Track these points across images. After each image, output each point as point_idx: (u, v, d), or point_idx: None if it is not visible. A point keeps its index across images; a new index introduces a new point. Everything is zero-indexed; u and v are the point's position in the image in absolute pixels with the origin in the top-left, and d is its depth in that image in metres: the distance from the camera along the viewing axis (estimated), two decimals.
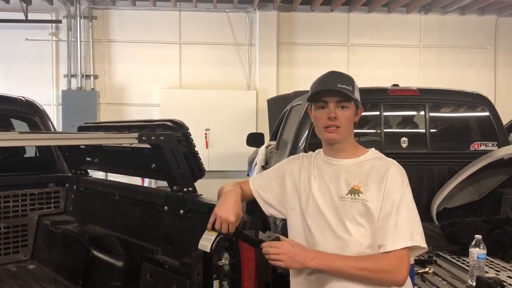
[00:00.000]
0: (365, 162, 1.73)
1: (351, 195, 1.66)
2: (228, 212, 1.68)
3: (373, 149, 1.80)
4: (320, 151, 1.85)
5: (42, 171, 3.34)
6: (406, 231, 1.58)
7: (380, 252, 1.59)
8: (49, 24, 8.95)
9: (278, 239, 1.62)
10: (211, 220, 1.71)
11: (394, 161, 1.73)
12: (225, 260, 1.85)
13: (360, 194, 1.65)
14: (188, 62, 9.21)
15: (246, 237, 1.72)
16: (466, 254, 2.74)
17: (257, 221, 3.93)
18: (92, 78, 9.06)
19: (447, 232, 3.39)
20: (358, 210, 1.63)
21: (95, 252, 2.70)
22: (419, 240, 1.59)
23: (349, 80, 1.73)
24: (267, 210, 1.88)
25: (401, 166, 1.71)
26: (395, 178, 1.65)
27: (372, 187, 1.65)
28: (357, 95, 1.72)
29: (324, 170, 1.76)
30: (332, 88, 1.67)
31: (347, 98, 1.69)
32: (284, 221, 1.90)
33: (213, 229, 1.72)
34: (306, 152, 1.93)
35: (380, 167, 1.69)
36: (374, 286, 1.61)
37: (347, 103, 1.70)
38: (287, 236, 1.75)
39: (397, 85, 4.17)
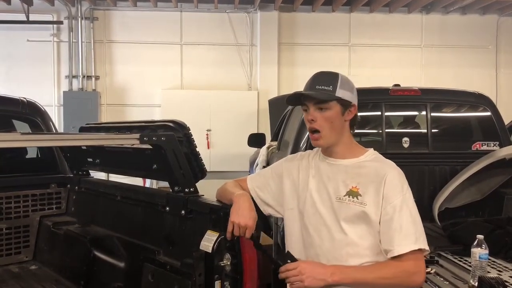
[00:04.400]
0: (364, 163, 1.72)
1: (349, 196, 1.65)
2: (245, 219, 1.68)
3: (371, 149, 1.78)
4: (319, 150, 1.84)
5: (44, 172, 3.34)
6: (411, 234, 1.59)
7: (388, 257, 1.59)
8: (51, 25, 8.96)
9: (293, 258, 1.61)
10: (229, 229, 1.70)
11: (393, 164, 1.72)
12: (226, 261, 1.85)
13: (358, 197, 1.64)
14: (189, 62, 9.21)
15: (264, 252, 1.73)
16: (468, 254, 2.73)
17: (258, 220, 3.92)
18: (93, 79, 9.07)
19: (449, 232, 3.38)
20: (355, 212, 1.63)
21: (96, 253, 2.70)
22: (423, 243, 1.60)
23: (330, 79, 1.68)
24: (265, 209, 1.88)
25: (400, 169, 1.70)
26: (394, 182, 1.64)
27: (370, 190, 1.64)
28: (341, 93, 1.67)
29: (323, 170, 1.75)
30: (308, 91, 1.67)
31: (323, 100, 1.66)
32: None
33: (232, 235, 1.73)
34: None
35: (379, 170, 1.67)
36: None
37: (325, 104, 1.67)
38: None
39: (398, 85, 4.17)
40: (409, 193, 1.65)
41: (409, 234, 1.58)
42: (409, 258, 1.57)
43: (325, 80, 1.68)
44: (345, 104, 1.69)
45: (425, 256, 1.62)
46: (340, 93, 1.67)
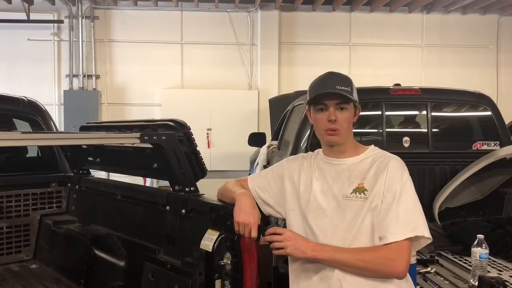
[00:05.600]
0: (366, 159, 1.74)
1: (355, 193, 1.66)
2: (248, 216, 1.72)
3: (372, 146, 1.80)
4: (319, 151, 1.85)
5: (44, 171, 3.34)
6: (408, 222, 1.58)
7: (381, 243, 1.59)
8: (51, 24, 8.97)
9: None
10: (236, 229, 1.74)
11: (394, 155, 1.74)
12: (227, 260, 1.85)
13: (365, 192, 1.65)
14: (190, 62, 9.22)
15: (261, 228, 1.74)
16: (468, 254, 2.73)
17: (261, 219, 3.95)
18: (93, 78, 9.08)
19: (449, 232, 3.38)
20: (363, 208, 1.64)
21: (97, 252, 2.70)
22: (422, 230, 1.59)
23: (347, 81, 1.72)
24: (265, 209, 1.89)
25: (401, 160, 1.72)
26: (395, 170, 1.66)
27: (375, 183, 1.65)
28: (355, 96, 1.73)
29: (326, 171, 1.76)
30: (331, 90, 1.67)
31: (346, 100, 1.69)
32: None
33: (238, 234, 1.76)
34: (307, 152, 1.93)
35: (381, 161, 1.70)
36: (370, 275, 1.61)
37: (346, 104, 1.70)
38: None
39: (399, 84, 4.17)
40: (410, 182, 1.66)
41: (405, 222, 1.58)
42: (393, 246, 1.56)
43: (343, 81, 1.71)
44: (356, 106, 1.74)
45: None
46: (355, 95, 1.72)
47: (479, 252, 2.57)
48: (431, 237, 1.62)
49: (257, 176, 1.97)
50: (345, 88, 1.68)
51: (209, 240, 1.86)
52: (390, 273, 1.59)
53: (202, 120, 8.65)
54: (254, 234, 1.70)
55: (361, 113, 1.79)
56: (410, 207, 1.61)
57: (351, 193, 1.67)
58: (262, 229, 1.71)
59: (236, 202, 1.78)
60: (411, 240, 1.59)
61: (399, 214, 1.58)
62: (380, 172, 1.66)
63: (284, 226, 1.84)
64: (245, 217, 1.71)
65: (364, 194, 1.65)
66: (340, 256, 1.60)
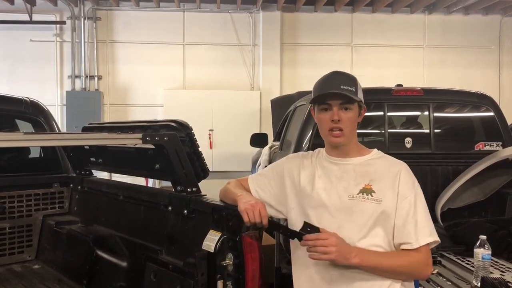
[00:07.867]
0: (372, 161, 1.74)
1: (363, 194, 1.66)
2: (255, 200, 1.73)
3: (375, 149, 1.80)
4: (321, 150, 1.84)
5: (47, 172, 3.36)
6: (426, 228, 1.63)
7: (403, 248, 1.63)
8: (53, 25, 8.99)
9: (318, 230, 1.60)
10: (245, 219, 1.70)
11: (401, 161, 1.75)
12: (229, 260, 1.85)
13: (373, 194, 1.65)
14: (192, 62, 9.22)
15: (285, 229, 1.73)
16: (471, 255, 2.73)
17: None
18: (96, 78, 9.09)
19: (451, 233, 3.37)
20: (371, 209, 1.64)
21: (99, 252, 2.71)
22: (435, 235, 1.65)
23: (352, 81, 1.72)
24: (267, 211, 1.88)
25: (408, 166, 1.74)
26: (407, 178, 1.68)
27: (383, 186, 1.66)
28: (360, 95, 1.72)
29: (330, 170, 1.75)
30: (335, 90, 1.67)
31: (350, 100, 1.69)
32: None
33: (250, 227, 1.73)
34: None
35: (391, 166, 1.70)
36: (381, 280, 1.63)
37: (350, 104, 1.70)
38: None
39: (401, 85, 4.16)
40: (420, 189, 1.70)
41: (424, 227, 1.63)
42: (421, 251, 1.61)
43: (348, 81, 1.71)
44: (360, 106, 1.74)
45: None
46: (359, 94, 1.72)
47: (482, 253, 2.56)
48: (439, 240, 1.66)
49: (257, 175, 1.97)
50: (350, 88, 1.68)
51: (211, 240, 1.86)
52: (421, 276, 1.67)
53: (204, 121, 8.65)
54: (263, 212, 1.68)
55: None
56: (425, 213, 1.66)
57: (358, 193, 1.67)
58: (273, 224, 1.70)
59: (239, 201, 1.77)
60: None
61: (417, 220, 1.62)
62: (391, 180, 1.67)
63: (286, 226, 1.84)
64: (252, 202, 1.71)
65: (372, 196, 1.65)
66: (379, 262, 1.61)
